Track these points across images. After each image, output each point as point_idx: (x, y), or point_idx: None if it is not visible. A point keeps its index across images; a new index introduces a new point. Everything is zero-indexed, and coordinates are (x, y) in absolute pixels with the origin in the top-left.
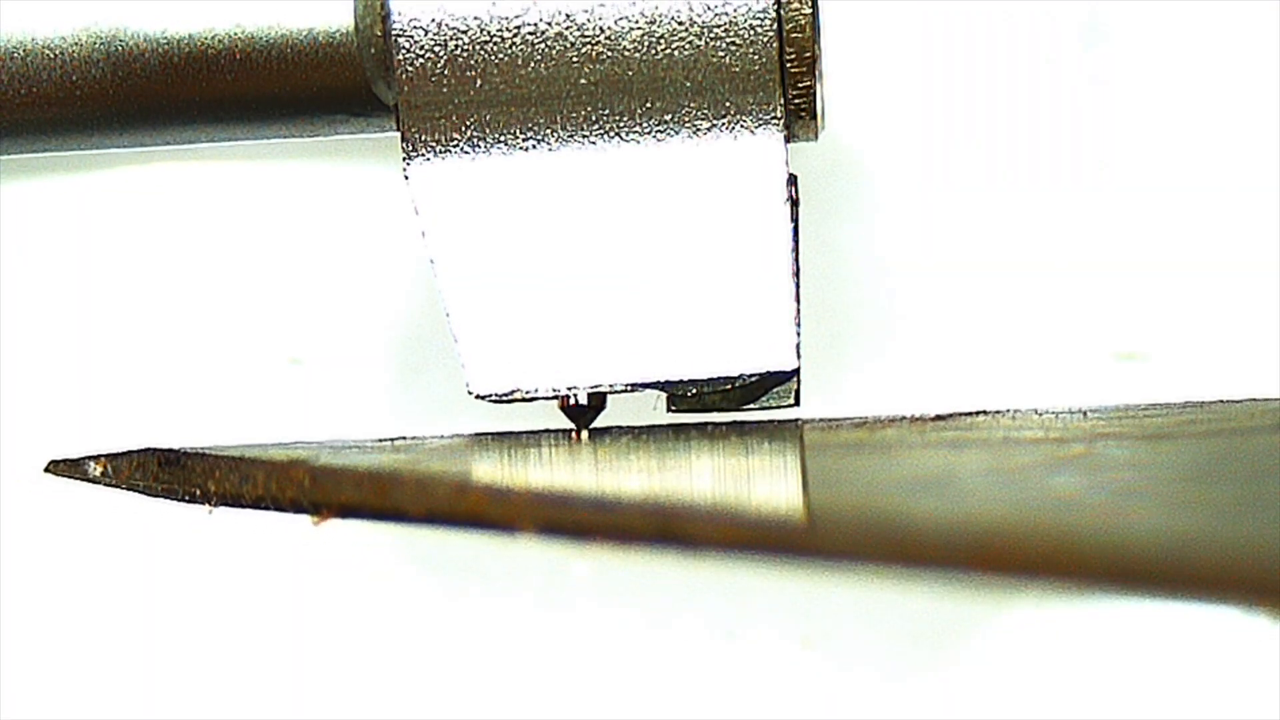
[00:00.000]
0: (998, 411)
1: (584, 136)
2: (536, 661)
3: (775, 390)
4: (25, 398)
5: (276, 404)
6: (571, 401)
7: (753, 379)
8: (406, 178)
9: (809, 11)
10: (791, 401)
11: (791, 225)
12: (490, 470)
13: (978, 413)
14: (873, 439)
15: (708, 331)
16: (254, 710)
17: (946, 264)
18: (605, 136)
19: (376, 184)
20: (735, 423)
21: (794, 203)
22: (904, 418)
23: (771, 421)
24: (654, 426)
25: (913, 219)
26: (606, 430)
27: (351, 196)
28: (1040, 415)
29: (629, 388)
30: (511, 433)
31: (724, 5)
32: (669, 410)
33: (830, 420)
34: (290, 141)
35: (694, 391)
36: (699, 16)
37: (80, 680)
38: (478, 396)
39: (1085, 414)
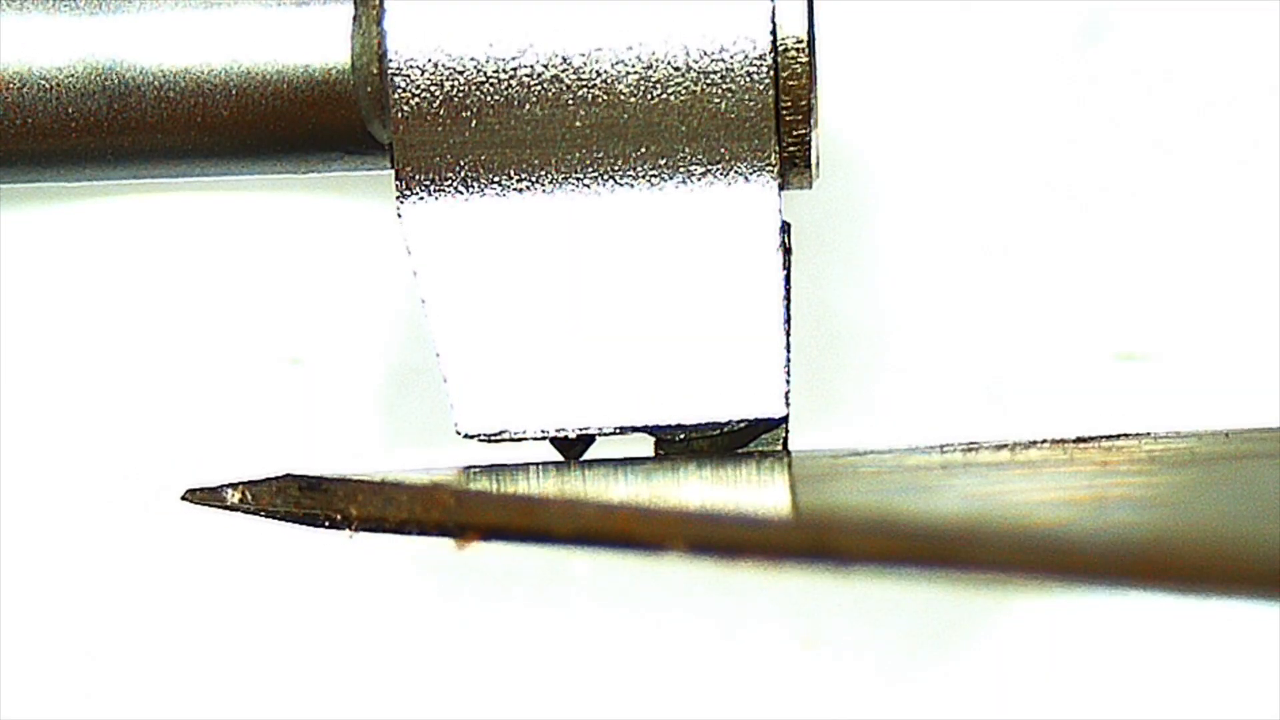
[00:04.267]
0: (1140, 433)
1: (578, 180)
2: (535, 661)
3: (764, 436)
4: (26, 398)
5: (276, 404)
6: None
7: (741, 425)
8: (400, 217)
9: (805, 60)
10: (780, 448)
11: (784, 273)
12: (637, 491)
13: (1119, 435)
14: (1015, 459)
15: (698, 377)
16: (253, 710)
17: (945, 264)
18: (599, 180)
19: (378, 191)
20: (885, 449)
21: (787, 250)
22: (1045, 440)
23: (915, 447)
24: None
25: (911, 219)
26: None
27: (353, 202)
28: (1184, 437)
29: (617, 430)
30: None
31: (720, 52)
32: (656, 454)
33: (971, 443)
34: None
35: (682, 436)
36: (695, 62)
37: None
38: (466, 436)
39: (1228, 435)
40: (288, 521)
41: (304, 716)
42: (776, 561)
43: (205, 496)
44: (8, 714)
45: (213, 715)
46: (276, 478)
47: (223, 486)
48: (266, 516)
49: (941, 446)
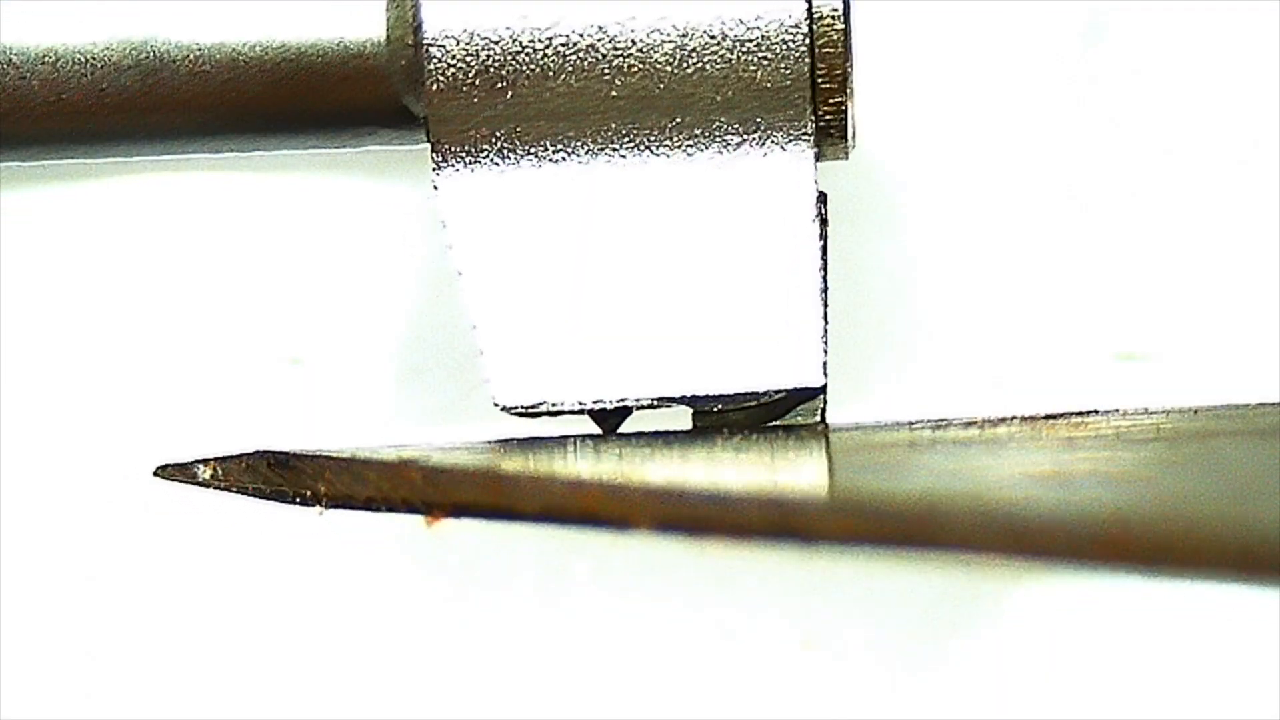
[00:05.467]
0: (1108, 410)
1: (613, 150)
2: (535, 661)
3: (801, 408)
4: (25, 396)
5: (276, 404)
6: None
7: (779, 396)
8: (436, 189)
9: (841, 28)
10: (817, 419)
11: (821, 243)
12: (604, 468)
13: (1089, 412)
14: (983, 437)
15: (735, 348)
16: (254, 711)
17: (945, 264)
18: (635, 150)
19: (377, 185)
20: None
21: (823, 221)
22: (1014, 417)
23: (876, 423)
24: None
25: (910, 219)
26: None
27: (352, 198)
28: (1151, 414)
29: (655, 403)
30: (539, 438)
31: (756, 21)
32: (693, 426)
33: (940, 420)
34: (293, 148)
35: (719, 408)
36: (731, 31)
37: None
38: (504, 409)
39: (1195, 412)
40: (258, 498)
41: (305, 717)
42: (742, 540)
43: (177, 473)
44: (8, 714)
45: (213, 715)
46: (247, 454)
47: (194, 462)
48: (237, 493)
49: (910, 424)
